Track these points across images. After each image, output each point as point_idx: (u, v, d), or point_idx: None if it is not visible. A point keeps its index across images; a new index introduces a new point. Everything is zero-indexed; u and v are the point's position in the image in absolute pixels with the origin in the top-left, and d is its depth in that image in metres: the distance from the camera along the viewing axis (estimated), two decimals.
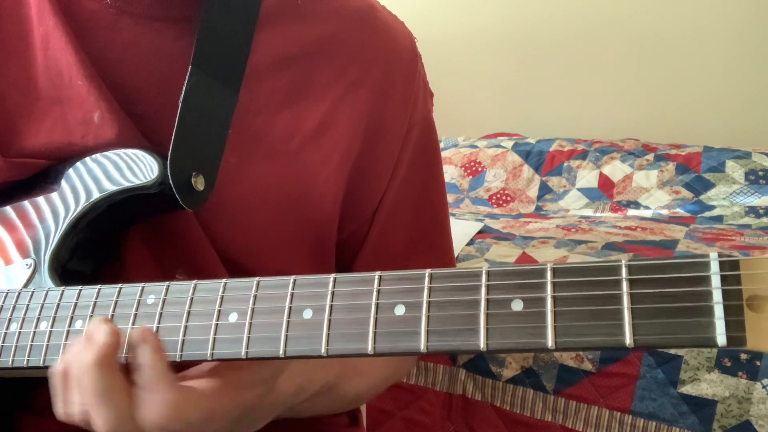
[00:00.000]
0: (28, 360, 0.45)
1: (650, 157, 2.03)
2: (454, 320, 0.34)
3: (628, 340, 0.31)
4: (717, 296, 0.30)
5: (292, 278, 0.39)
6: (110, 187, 0.52)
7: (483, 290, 0.34)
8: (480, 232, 1.59)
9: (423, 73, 0.68)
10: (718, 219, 1.75)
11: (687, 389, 1.08)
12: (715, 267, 0.30)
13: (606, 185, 2.03)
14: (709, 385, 1.06)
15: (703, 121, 2.25)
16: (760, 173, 1.85)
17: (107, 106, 0.54)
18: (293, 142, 0.58)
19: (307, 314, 0.38)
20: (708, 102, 2.24)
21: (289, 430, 0.65)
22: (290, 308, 0.38)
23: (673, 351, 1.10)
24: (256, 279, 0.40)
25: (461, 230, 1.56)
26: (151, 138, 0.55)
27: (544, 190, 2.11)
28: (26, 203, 0.56)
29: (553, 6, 2.45)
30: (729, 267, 0.30)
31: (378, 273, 0.37)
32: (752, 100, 2.18)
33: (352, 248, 0.66)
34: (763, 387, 1.02)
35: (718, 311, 0.30)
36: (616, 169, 2.04)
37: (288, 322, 0.38)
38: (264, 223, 0.58)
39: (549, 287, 0.33)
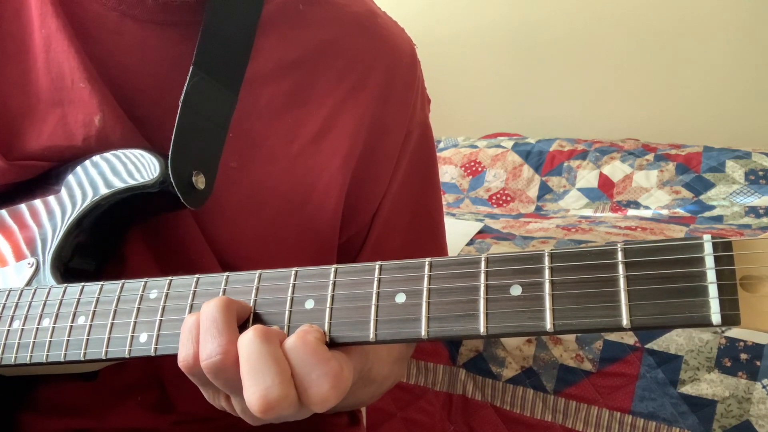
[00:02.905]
0: (31, 356, 0.46)
1: (650, 157, 2.03)
2: (454, 306, 0.35)
3: (625, 321, 0.32)
4: (711, 276, 0.31)
5: (293, 270, 0.40)
6: (112, 187, 0.53)
7: (482, 276, 0.35)
8: (480, 232, 1.59)
9: (422, 79, 0.69)
10: (718, 219, 1.75)
11: (687, 389, 1.08)
12: (708, 248, 0.31)
13: (606, 185, 2.03)
14: (709, 385, 1.06)
15: (703, 121, 2.25)
16: (760, 173, 1.85)
17: (110, 109, 0.54)
18: (294, 147, 0.59)
19: (309, 304, 0.38)
20: (708, 102, 2.25)
21: (289, 430, 0.66)
22: (292, 299, 0.39)
23: (673, 351, 1.10)
24: (258, 271, 0.41)
25: (461, 230, 1.56)
26: (153, 141, 0.56)
27: (544, 190, 2.11)
28: (29, 204, 0.56)
29: (553, 6, 2.45)
30: (722, 248, 0.31)
31: (378, 263, 0.38)
32: (752, 100, 2.18)
33: (350, 252, 0.66)
34: (763, 387, 1.02)
35: (713, 291, 0.30)
36: (616, 169, 2.04)
37: (290, 312, 0.38)
38: (263, 227, 0.58)
39: (547, 272, 0.34)
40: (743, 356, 1.05)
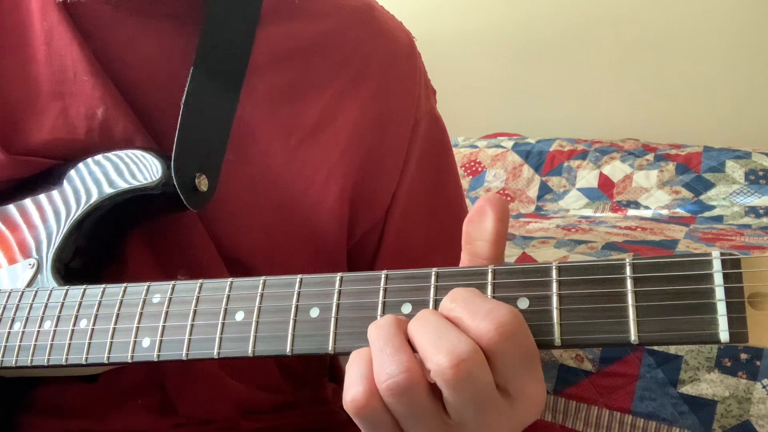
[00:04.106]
0: (32, 360, 0.45)
1: (650, 157, 2.03)
2: None
3: (633, 336, 0.32)
4: (719, 294, 0.31)
5: (298, 277, 0.39)
6: (114, 188, 0.52)
7: (489, 288, 0.35)
8: None
9: (423, 70, 0.68)
10: (718, 219, 1.75)
11: (687, 389, 1.08)
12: (717, 265, 0.31)
13: (606, 185, 2.03)
14: (709, 385, 1.06)
15: (703, 121, 2.25)
16: (760, 173, 1.85)
17: (112, 102, 0.54)
18: (292, 139, 0.58)
19: (314, 313, 0.38)
20: (708, 102, 2.25)
21: (290, 427, 0.66)
22: (297, 307, 0.38)
23: (673, 351, 1.10)
24: (262, 278, 0.40)
25: None
26: (155, 134, 0.56)
27: (544, 190, 2.11)
28: (29, 202, 0.56)
29: (552, 6, 2.45)
30: (731, 265, 0.31)
31: (384, 272, 0.37)
32: (752, 100, 2.18)
33: (368, 251, 0.65)
34: (763, 387, 1.02)
35: (721, 308, 0.30)
36: (616, 169, 2.04)
37: (295, 320, 0.38)
38: (264, 220, 0.58)
39: (554, 285, 0.34)
40: (743, 356, 1.05)
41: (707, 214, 1.80)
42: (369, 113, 0.61)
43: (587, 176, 2.07)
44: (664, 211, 1.87)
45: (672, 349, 1.10)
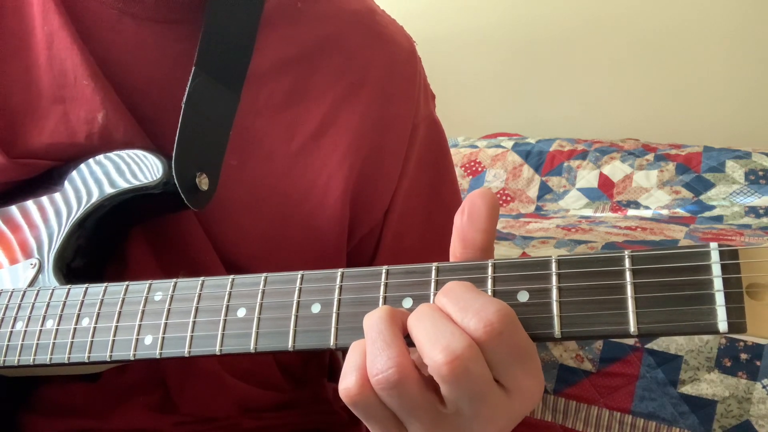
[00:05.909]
0: (34, 359, 0.46)
1: (650, 157, 2.03)
2: None
3: (632, 328, 0.32)
4: (718, 284, 0.31)
5: (299, 273, 0.39)
6: (115, 188, 0.53)
7: (489, 282, 0.35)
8: None
9: (423, 75, 0.69)
10: (718, 219, 1.75)
11: (687, 389, 1.08)
12: (715, 256, 0.31)
13: (606, 185, 2.03)
14: (709, 385, 1.06)
15: (703, 121, 2.25)
16: (760, 173, 1.85)
17: (112, 107, 0.54)
18: (293, 144, 0.59)
19: (316, 308, 0.38)
20: (708, 102, 2.25)
21: (290, 426, 0.66)
22: (298, 302, 0.39)
23: (673, 351, 1.10)
24: (264, 274, 0.40)
25: None
26: (155, 138, 0.56)
27: (544, 190, 2.11)
28: (31, 203, 0.56)
29: (552, 5, 2.45)
30: (729, 256, 0.31)
31: (385, 267, 0.38)
32: (752, 99, 2.18)
33: (366, 253, 0.65)
34: (763, 387, 1.02)
35: (719, 299, 0.31)
36: (616, 169, 2.04)
37: (296, 316, 0.38)
38: (265, 225, 0.58)
39: (554, 278, 0.34)
40: (743, 356, 1.05)
41: (707, 214, 1.80)
42: (369, 117, 0.62)
43: (587, 176, 2.07)
44: (664, 211, 1.87)
45: (672, 349, 1.10)
